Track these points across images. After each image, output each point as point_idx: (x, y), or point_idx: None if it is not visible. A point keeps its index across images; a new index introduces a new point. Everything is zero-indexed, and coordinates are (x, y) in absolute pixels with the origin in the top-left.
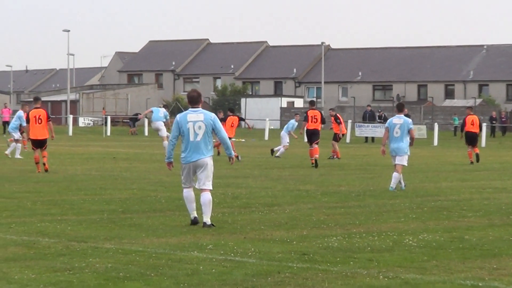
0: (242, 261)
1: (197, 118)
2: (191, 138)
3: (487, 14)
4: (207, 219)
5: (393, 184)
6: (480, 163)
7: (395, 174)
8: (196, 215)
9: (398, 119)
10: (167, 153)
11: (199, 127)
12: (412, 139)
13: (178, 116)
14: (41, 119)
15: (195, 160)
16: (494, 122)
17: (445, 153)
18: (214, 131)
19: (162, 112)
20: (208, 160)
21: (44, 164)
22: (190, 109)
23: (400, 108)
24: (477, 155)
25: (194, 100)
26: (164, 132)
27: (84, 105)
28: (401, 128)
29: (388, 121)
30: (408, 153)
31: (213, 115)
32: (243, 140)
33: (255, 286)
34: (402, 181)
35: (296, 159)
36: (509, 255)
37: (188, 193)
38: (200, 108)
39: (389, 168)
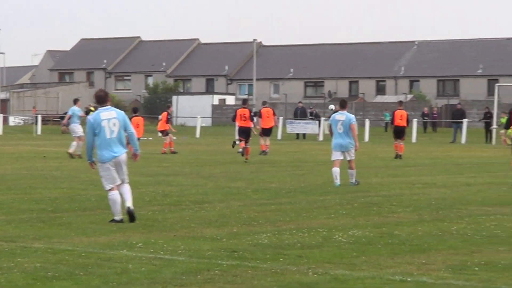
0: (171, 259)
1: (110, 116)
2: (108, 136)
3: (418, 10)
4: (130, 204)
5: (352, 179)
6: (411, 159)
7: (350, 171)
8: (122, 217)
9: (340, 116)
10: (87, 155)
11: (114, 124)
12: (354, 135)
13: (91, 117)
14: None
15: (118, 156)
16: (426, 118)
17: (375, 149)
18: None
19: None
20: (126, 155)
21: None
22: (100, 108)
23: (343, 105)
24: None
25: (102, 99)
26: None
27: (15, 104)
28: (343, 124)
29: (331, 117)
30: (353, 147)
31: (122, 112)
32: (151, 138)
33: (185, 284)
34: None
35: (227, 157)
36: (438, 250)
37: (115, 195)
38: (110, 106)
39: (319, 165)
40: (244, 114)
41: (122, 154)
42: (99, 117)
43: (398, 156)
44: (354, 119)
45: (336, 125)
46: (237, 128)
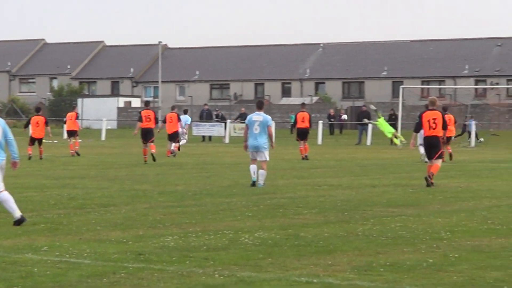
0: (77, 262)
1: None
2: None
3: (322, 12)
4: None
5: (261, 181)
6: (316, 161)
7: (261, 171)
8: (21, 213)
9: (257, 116)
10: None
11: None
12: (270, 135)
13: None
14: None
15: (2, 159)
16: (332, 120)
17: (281, 151)
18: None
19: None
20: (4, 162)
21: None
22: None
23: (259, 106)
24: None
25: None
26: None
27: None
28: (261, 125)
29: (247, 118)
30: (267, 149)
31: (2, 120)
32: (56, 141)
33: (90, 287)
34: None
35: (133, 159)
36: (344, 251)
37: (6, 196)
38: None
39: (225, 167)
40: (148, 116)
41: (4, 159)
42: None
43: (304, 158)
44: (271, 121)
45: (253, 125)
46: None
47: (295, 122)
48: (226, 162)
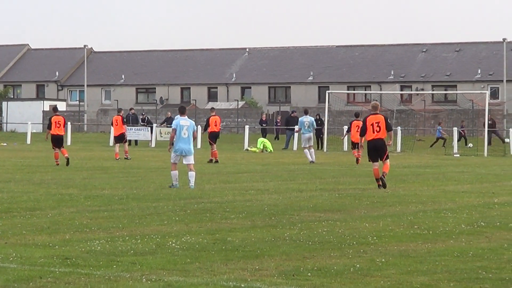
0: (3, 267)
1: None
2: None
3: (248, 17)
4: None
5: (193, 182)
6: (243, 165)
7: (192, 173)
8: None
9: (185, 121)
10: None
11: None
12: (195, 139)
13: None
14: None
15: None
16: (264, 124)
17: (208, 156)
18: None
19: None
20: None
21: None
22: None
23: (182, 111)
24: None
25: None
26: None
27: None
28: (189, 129)
29: (174, 122)
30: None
31: None
32: (5, 144)
33: None
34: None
35: (59, 162)
36: (271, 255)
37: None
38: None
39: (151, 171)
40: (59, 121)
41: None
42: None
43: (211, 161)
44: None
45: (181, 130)
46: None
47: (207, 125)
48: (152, 166)
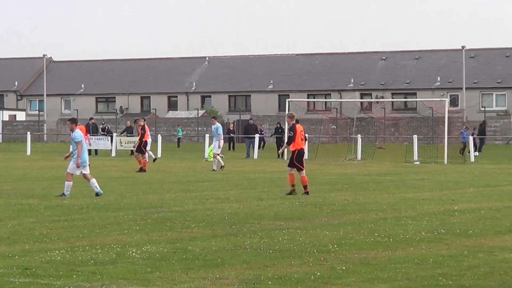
0: None
1: None
2: None
3: (208, 26)
4: None
5: (94, 187)
6: (204, 174)
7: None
8: None
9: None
10: None
11: None
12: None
13: None
14: None
15: None
16: (232, 134)
17: (168, 164)
18: None
19: None
20: None
21: None
22: None
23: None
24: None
25: None
26: None
27: None
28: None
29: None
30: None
31: None
32: None
33: None
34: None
35: (18, 172)
36: (232, 264)
37: None
38: None
39: (111, 181)
40: None
41: None
42: None
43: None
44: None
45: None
46: None
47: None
48: (112, 176)
